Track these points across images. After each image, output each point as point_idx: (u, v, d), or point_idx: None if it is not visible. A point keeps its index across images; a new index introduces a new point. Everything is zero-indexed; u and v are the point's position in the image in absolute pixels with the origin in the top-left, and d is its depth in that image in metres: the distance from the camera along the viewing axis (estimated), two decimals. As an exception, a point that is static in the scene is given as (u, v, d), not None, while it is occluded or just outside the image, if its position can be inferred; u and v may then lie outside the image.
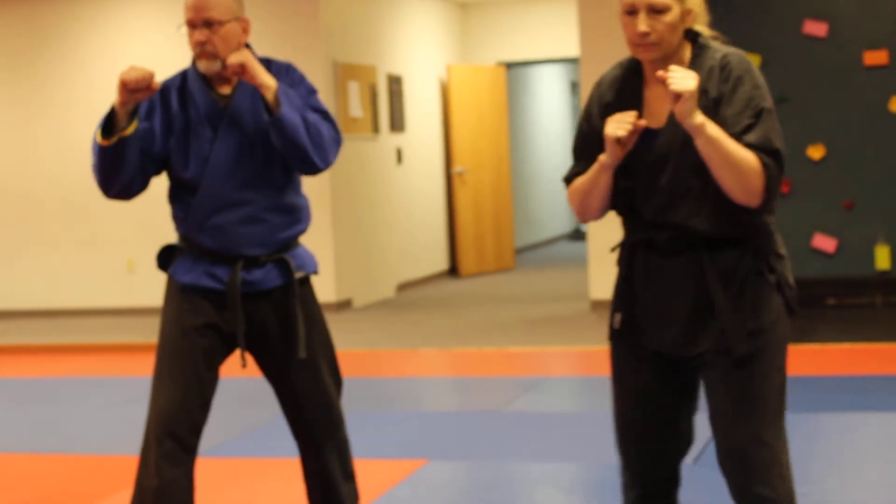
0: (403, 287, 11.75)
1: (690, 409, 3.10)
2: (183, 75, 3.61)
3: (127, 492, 4.40)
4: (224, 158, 3.52)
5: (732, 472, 2.93)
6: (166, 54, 10.51)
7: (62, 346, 9.23)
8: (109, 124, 3.42)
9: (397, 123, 11.65)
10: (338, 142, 3.56)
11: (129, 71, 3.36)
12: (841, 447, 5.20)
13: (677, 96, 2.76)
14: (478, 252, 12.92)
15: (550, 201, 16.28)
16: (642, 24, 2.85)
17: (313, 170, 3.52)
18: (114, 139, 3.40)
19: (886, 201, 8.91)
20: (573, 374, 7.55)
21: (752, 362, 2.90)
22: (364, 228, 10.89)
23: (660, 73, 2.80)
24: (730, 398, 2.92)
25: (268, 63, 3.58)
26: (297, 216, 3.65)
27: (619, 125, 2.86)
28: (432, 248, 12.58)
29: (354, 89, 10.65)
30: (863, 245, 8.96)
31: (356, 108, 10.69)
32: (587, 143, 3.04)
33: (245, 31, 3.55)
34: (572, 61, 13.62)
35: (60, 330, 10.10)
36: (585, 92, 9.40)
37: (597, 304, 9.59)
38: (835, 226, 8.99)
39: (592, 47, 9.39)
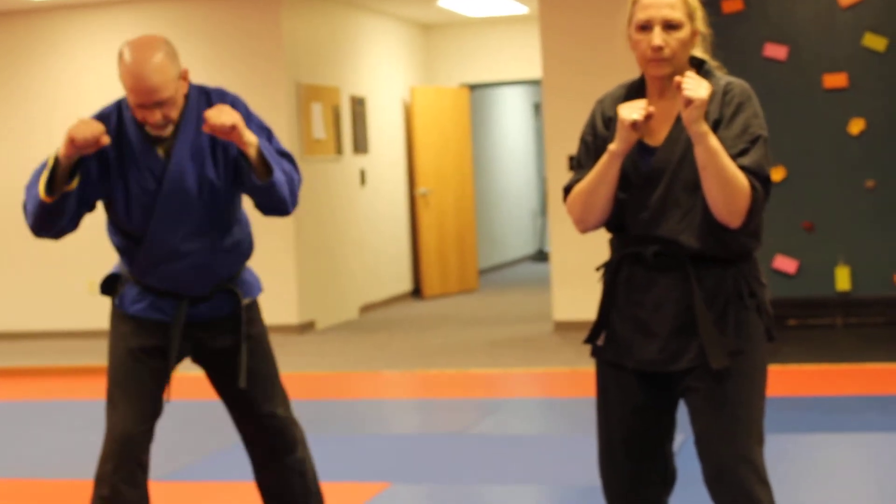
0: (367, 309, 11.73)
1: (671, 435, 3.12)
2: (117, 111, 3.48)
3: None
4: (169, 213, 3.45)
5: (721, 492, 2.95)
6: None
7: (21, 370, 9.14)
8: (51, 182, 3.33)
9: (361, 145, 11.65)
10: (301, 182, 3.55)
11: (79, 127, 3.26)
12: (803, 468, 5.22)
13: (688, 102, 2.81)
14: (441, 273, 12.92)
15: (514, 222, 16.30)
16: (657, 38, 2.91)
17: (284, 215, 3.52)
18: (56, 196, 3.34)
19: (846, 223, 8.98)
20: (536, 395, 7.54)
21: (736, 383, 2.94)
22: (327, 250, 10.86)
23: (677, 78, 2.86)
24: (716, 419, 2.95)
25: (206, 94, 3.50)
26: (241, 250, 3.64)
27: (632, 109, 2.91)
28: (396, 269, 12.56)
29: (317, 111, 10.64)
30: (823, 266, 9.02)
31: (319, 130, 10.68)
32: (591, 153, 3.08)
33: (186, 80, 3.45)
34: (535, 83, 13.67)
35: (19, 352, 10.01)
36: (548, 113, 9.44)
37: (560, 326, 9.60)
38: (795, 247, 9.04)
39: (555, 69, 9.42)
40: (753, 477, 2.93)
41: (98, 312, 10.72)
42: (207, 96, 3.50)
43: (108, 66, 10.58)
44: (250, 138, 3.34)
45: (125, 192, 3.45)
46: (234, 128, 3.27)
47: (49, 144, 10.70)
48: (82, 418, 7.08)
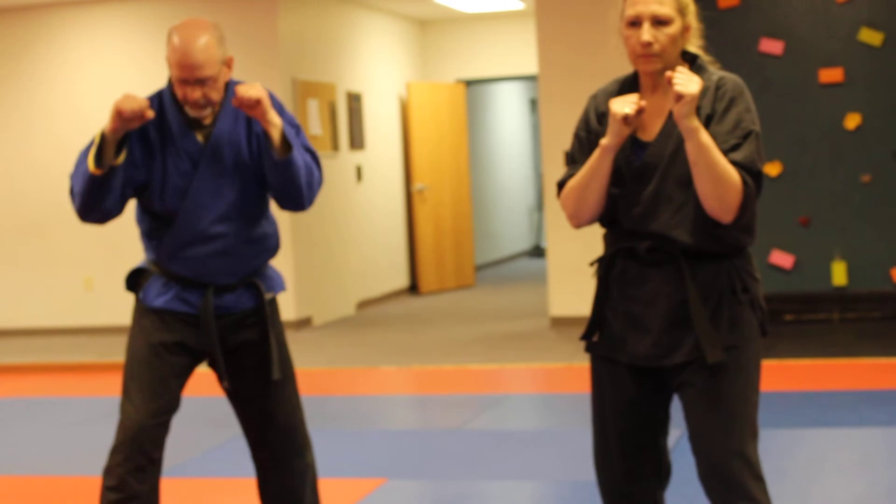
0: (363, 305, 11.73)
1: (666, 429, 3.13)
2: (158, 98, 3.56)
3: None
4: (202, 195, 3.50)
5: (716, 487, 2.96)
6: (125, 73, 10.46)
7: (19, 366, 9.14)
8: (100, 154, 3.38)
9: (357, 141, 11.65)
10: (321, 183, 3.58)
11: (125, 100, 3.33)
12: (799, 463, 5.23)
13: (679, 97, 2.82)
14: (438, 269, 12.92)
15: (510, 218, 16.31)
16: (647, 34, 2.92)
17: (298, 209, 3.54)
18: (104, 170, 3.38)
19: (842, 217, 8.99)
20: (533, 391, 7.55)
21: (730, 378, 2.95)
22: (324, 246, 10.87)
23: (668, 73, 2.86)
24: (710, 414, 2.95)
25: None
26: (267, 244, 3.66)
27: (624, 103, 2.92)
28: (392, 265, 12.57)
29: (314, 107, 10.64)
30: (819, 261, 9.03)
31: (315, 126, 10.68)
32: (584, 148, 3.09)
33: (230, 67, 3.52)
34: (531, 79, 13.67)
35: (17, 349, 10.01)
36: (544, 109, 9.44)
37: (556, 321, 9.61)
38: (792, 242, 9.05)
39: (551, 65, 9.42)
40: (747, 472, 2.94)
41: (95, 309, 10.73)
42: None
43: (105, 62, 10.57)
44: (274, 119, 3.41)
45: (163, 173, 3.51)
46: (259, 102, 3.35)
47: (47, 141, 10.71)
48: (79, 415, 7.08)
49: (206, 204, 3.50)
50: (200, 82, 3.41)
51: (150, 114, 3.36)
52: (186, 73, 3.39)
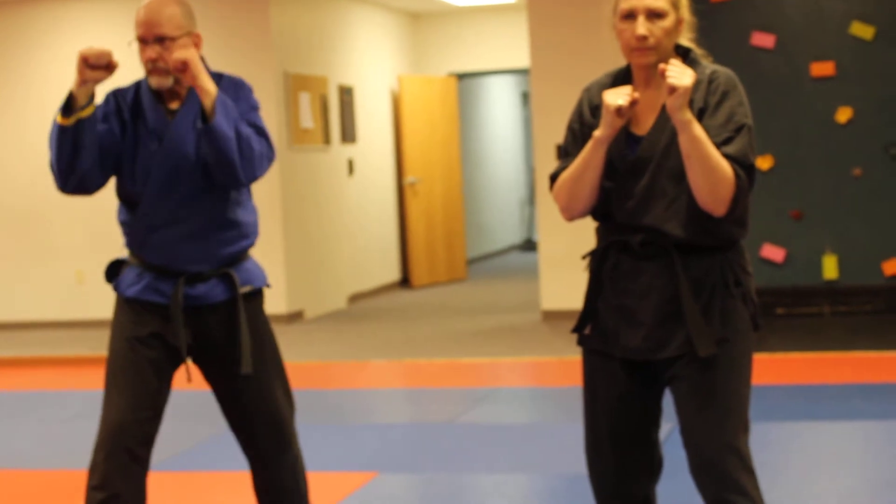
0: (355, 298, 11.73)
1: (658, 423, 3.13)
2: (136, 87, 3.59)
3: (75, 507, 4.35)
4: (165, 173, 3.49)
5: (707, 481, 2.96)
6: (120, 61, 10.43)
7: (10, 360, 9.13)
8: (68, 107, 3.40)
9: (349, 134, 11.64)
10: (269, 159, 3.53)
11: (89, 48, 3.36)
12: (790, 456, 5.24)
13: (672, 89, 2.82)
14: (429, 263, 12.92)
15: (502, 211, 16.31)
16: (641, 27, 2.93)
17: (236, 183, 3.47)
18: (73, 118, 3.39)
19: (834, 211, 9.00)
20: (525, 384, 7.56)
21: (722, 372, 2.95)
22: (315, 239, 10.86)
23: (661, 65, 2.87)
24: (702, 408, 2.95)
25: (219, 77, 3.56)
26: (241, 231, 3.61)
27: (618, 95, 2.92)
28: (384, 258, 12.56)
29: (305, 100, 10.63)
30: (811, 255, 9.04)
31: (307, 119, 10.66)
32: (577, 140, 3.09)
33: (197, 45, 3.53)
34: (523, 72, 13.67)
35: (8, 343, 9.99)
36: (536, 102, 9.44)
37: (548, 315, 9.61)
38: (783, 236, 9.06)
39: (543, 58, 9.42)
40: (739, 465, 2.94)
41: (86, 303, 10.71)
42: (219, 77, 3.57)
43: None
44: (207, 85, 3.41)
45: (133, 153, 3.52)
46: (185, 64, 3.38)
47: (38, 134, 10.68)
48: (70, 409, 7.08)
49: (170, 184, 3.48)
50: (159, 40, 3.44)
51: (115, 62, 3.37)
52: (145, 29, 3.44)
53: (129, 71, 4.13)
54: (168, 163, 3.49)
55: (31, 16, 10.83)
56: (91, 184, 3.49)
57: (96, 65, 3.36)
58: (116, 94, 3.57)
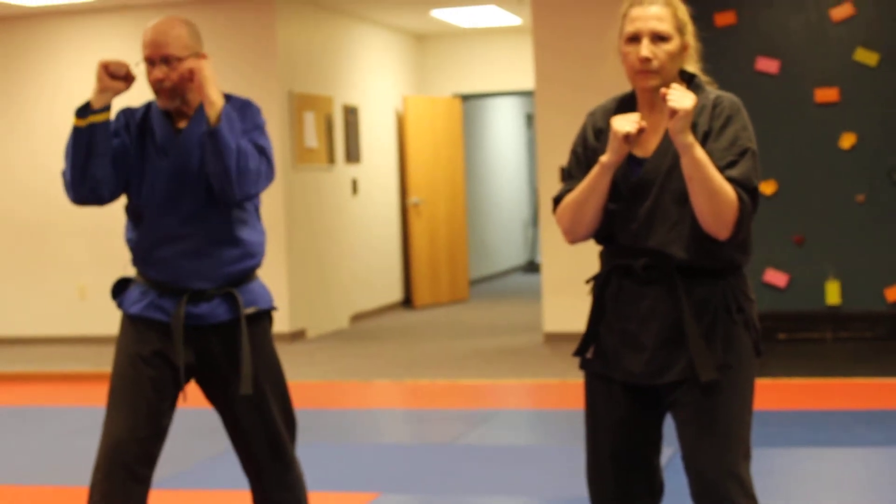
0: (357, 318, 11.73)
1: (659, 447, 3.13)
2: (147, 107, 3.63)
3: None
4: (170, 189, 3.51)
5: None
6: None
7: (11, 375, 9.13)
8: (84, 110, 3.46)
9: (353, 154, 11.66)
10: (268, 178, 3.53)
11: (108, 59, 3.45)
12: (792, 482, 5.23)
13: (673, 112, 2.83)
14: (432, 283, 12.92)
15: (505, 233, 16.32)
16: (646, 49, 2.94)
17: (229, 198, 3.46)
18: (87, 121, 3.43)
19: (837, 237, 9.00)
20: (526, 406, 7.55)
21: (724, 398, 2.95)
22: (319, 259, 10.87)
23: (662, 89, 2.88)
24: (704, 434, 2.95)
25: (227, 98, 3.57)
26: (246, 250, 3.60)
27: (626, 122, 2.93)
28: (387, 278, 12.57)
29: (310, 120, 10.65)
30: (813, 280, 9.04)
31: (312, 139, 10.69)
32: (581, 164, 3.10)
33: None
34: (527, 94, 13.69)
35: (10, 358, 9.99)
36: (540, 124, 9.46)
37: (550, 337, 9.61)
38: (786, 261, 9.06)
39: (547, 80, 9.44)
40: (740, 491, 2.93)
41: (88, 318, 10.72)
42: (227, 99, 3.58)
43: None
44: (213, 96, 3.44)
45: (141, 170, 3.55)
46: (192, 72, 3.45)
47: (44, 150, 10.70)
48: (72, 425, 7.07)
49: (175, 199, 3.51)
50: (165, 60, 3.47)
51: (134, 73, 3.45)
52: (152, 50, 3.49)
53: (141, 93, 4.17)
54: (173, 176, 3.51)
55: (42, 30, 10.87)
56: (104, 192, 3.51)
57: (116, 74, 3.43)
58: (126, 112, 3.61)
